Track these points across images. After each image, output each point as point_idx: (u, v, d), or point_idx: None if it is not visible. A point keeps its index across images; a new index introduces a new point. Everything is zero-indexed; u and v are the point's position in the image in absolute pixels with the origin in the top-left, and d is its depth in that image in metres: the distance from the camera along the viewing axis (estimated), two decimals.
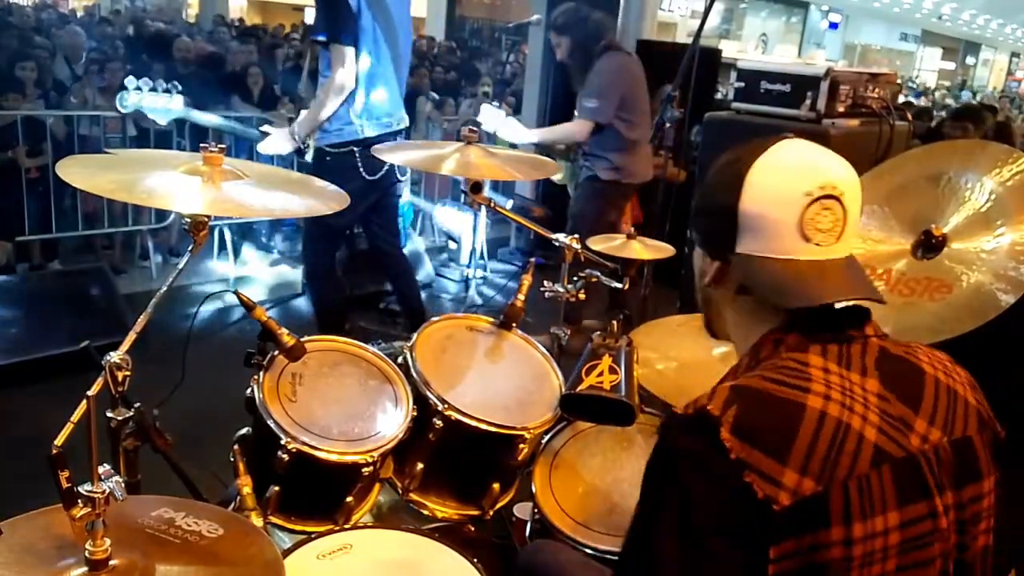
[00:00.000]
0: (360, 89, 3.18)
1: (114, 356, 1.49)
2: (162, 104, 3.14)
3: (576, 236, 2.26)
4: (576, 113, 3.91)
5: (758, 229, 1.06)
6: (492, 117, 3.97)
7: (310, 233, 3.60)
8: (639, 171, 3.98)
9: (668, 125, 3.32)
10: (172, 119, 3.26)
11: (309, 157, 3.34)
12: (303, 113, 3.28)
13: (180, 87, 3.23)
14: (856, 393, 0.99)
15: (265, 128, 3.31)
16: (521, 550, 1.91)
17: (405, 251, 3.96)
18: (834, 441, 0.94)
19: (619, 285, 2.27)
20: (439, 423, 1.85)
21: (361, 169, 3.21)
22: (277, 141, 3.22)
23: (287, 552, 1.56)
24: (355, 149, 3.18)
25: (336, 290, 3.63)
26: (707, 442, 0.95)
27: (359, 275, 4.52)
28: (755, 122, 2.96)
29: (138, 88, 3.13)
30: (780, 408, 0.97)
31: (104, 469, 1.03)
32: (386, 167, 3.29)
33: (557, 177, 4.29)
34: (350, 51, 3.07)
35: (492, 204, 2.31)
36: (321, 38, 3.10)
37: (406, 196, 5.02)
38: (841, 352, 1.04)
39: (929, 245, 1.98)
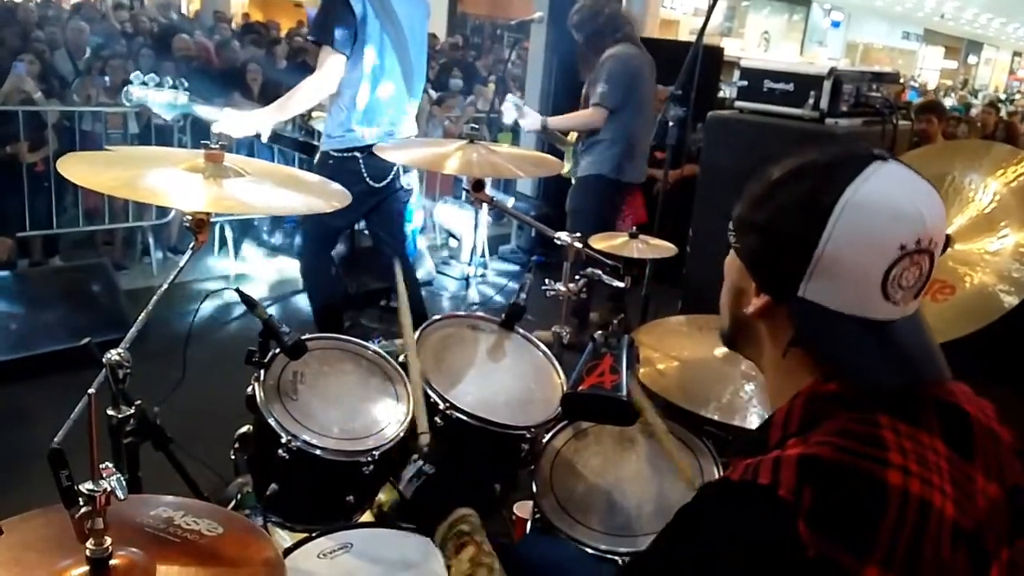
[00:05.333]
0: (362, 96, 3.18)
1: (114, 354, 1.49)
2: (167, 99, 3.12)
3: (576, 235, 2.26)
4: (591, 102, 3.94)
5: (834, 276, 0.89)
6: (511, 110, 4.02)
7: (306, 231, 3.61)
8: (629, 169, 3.97)
9: (671, 124, 3.30)
10: (178, 114, 3.23)
11: (316, 159, 3.36)
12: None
13: (186, 83, 3.19)
14: (930, 460, 0.87)
15: (225, 111, 3.14)
16: (517, 543, 1.91)
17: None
18: (918, 526, 0.82)
19: (620, 284, 2.27)
20: (440, 422, 1.84)
21: (365, 175, 3.21)
22: (234, 124, 3.06)
23: (288, 551, 1.56)
24: (358, 155, 3.18)
25: (332, 288, 3.63)
26: (778, 535, 0.80)
27: (360, 273, 4.51)
28: (758, 121, 2.96)
29: (144, 83, 3.12)
30: (861, 488, 0.83)
31: (105, 467, 1.03)
32: (391, 175, 3.29)
33: (564, 170, 4.30)
34: (337, 57, 3.05)
35: (493, 202, 2.30)
36: (312, 38, 3.11)
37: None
38: (906, 407, 0.90)
39: None
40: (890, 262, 0.87)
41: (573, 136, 4.18)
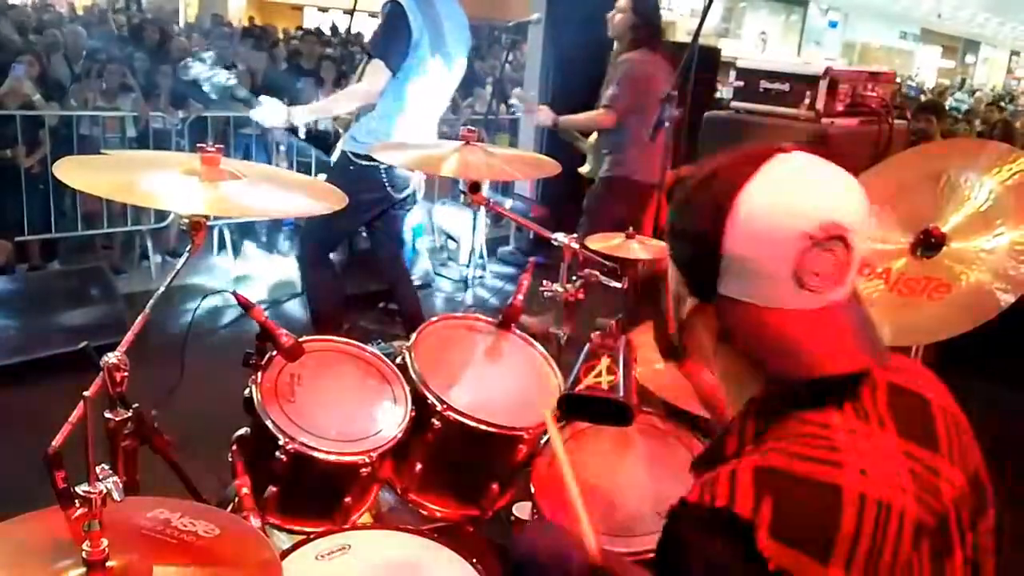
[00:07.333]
0: (398, 110, 3.28)
1: (112, 357, 1.49)
2: (219, 78, 3.21)
3: (575, 236, 2.26)
4: (601, 103, 3.95)
5: (744, 273, 0.90)
6: (522, 99, 4.06)
7: (308, 234, 3.64)
8: (651, 170, 3.96)
9: (667, 125, 3.31)
10: (218, 91, 3.35)
11: (334, 158, 3.44)
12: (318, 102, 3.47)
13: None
14: (887, 457, 0.87)
15: (263, 98, 3.35)
16: (515, 538, 1.90)
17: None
18: (877, 527, 0.82)
19: (617, 284, 2.27)
20: (438, 423, 1.84)
21: (387, 184, 3.31)
22: (270, 112, 3.25)
23: (285, 553, 1.56)
24: (381, 165, 3.22)
25: (332, 290, 3.65)
26: (740, 552, 0.81)
27: (359, 275, 4.52)
28: (754, 121, 2.96)
29: (202, 60, 3.22)
30: (817, 495, 0.82)
31: (101, 469, 1.03)
32: (411, 186, 3.41)
33: (584, 169, 4.30)
34: (387, 73, 3.19)
35: (490, 204, 2.31)
36: (371, 53, 3.27)
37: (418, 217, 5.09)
38: (856, 403, 0.89)
39: (928, 244, 1.98)
40: (797, 253, 0.88)
41: (594, 137, 4.18)
